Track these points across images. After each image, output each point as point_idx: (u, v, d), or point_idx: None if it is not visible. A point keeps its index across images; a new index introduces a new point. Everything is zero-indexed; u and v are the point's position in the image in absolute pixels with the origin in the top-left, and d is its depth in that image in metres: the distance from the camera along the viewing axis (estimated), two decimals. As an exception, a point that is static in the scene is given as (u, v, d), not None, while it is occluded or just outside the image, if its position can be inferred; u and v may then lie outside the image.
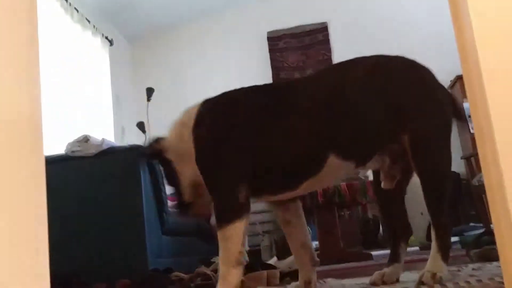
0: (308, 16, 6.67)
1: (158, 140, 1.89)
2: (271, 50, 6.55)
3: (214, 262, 3.18)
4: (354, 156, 1.72)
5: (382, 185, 1.84)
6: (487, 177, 1.06)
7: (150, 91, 6.32)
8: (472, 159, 4.75)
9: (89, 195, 3.16)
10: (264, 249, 5.26)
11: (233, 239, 1.68)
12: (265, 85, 1.87)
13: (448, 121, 1.78)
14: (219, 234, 1.65)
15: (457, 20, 1.12)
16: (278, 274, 2.63)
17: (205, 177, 1.74)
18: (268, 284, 2.54)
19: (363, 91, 1.72)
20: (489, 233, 2.76)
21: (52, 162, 3.22)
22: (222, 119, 1.78)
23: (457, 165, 5.36)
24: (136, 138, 6.19)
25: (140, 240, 3.01)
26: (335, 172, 1.74)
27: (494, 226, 1.04)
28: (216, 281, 2.78)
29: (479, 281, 1.61)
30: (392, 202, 1.92)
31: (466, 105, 4.78)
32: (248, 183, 1.66)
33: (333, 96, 1.72)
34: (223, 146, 1.70)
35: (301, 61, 6.49)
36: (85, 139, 3.27)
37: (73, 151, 3.26)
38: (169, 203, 3.83)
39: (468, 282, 1.61)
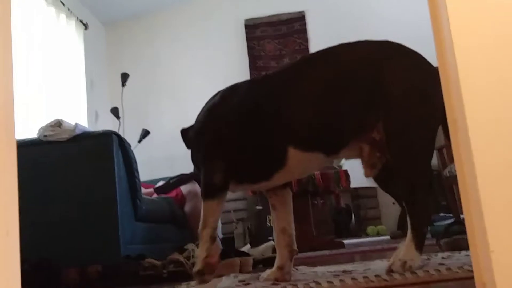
0: (285, 4, 6.66)
1: None
2: (248, 38, 6.53)
3: (187, 249, 3.18)
4: (318, 147, 1.73)
5: (364, 173, 1.85)
6: (459, 168, 1.07)
7: (125, 77, 6.25)
8: (444, 150, 4.82)
9: (62, 180, 3.12)
10: (237, 237, 5.28)
11: (209, 212, 1.84)
12: (248, 81, 1.99)
13: (433, 113, 1.73)
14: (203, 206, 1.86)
15: (434, 11, 1.13)
16: (251, 261, 2.65)
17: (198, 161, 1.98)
18: (241, 271, 2.56)
19: (328, 81, 1.73)
20: (459, 223, 2.82)
21: (24, 146, 3.16)
22: (211, 115, 1.96)
23: (429, 156, 5.43)
24: (110, 124, 6.13)
25: (112, 226, 2.98)
26: (305, 163, 1.77)
27: (465, 216, 1.06)
28: (189, 268, 2.79)
29: (449, 269, 1.64)
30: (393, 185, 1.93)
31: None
32: (227, 171, 1.83)
33: (290, 89, 1.75)
34: (210, 139, 1.91)
35: (278, 50, 6.49)
36: (58, 124, 3.22)
37: (45, 136, 3.21)
38: (143, 190, 3.81)
39: (438, 270, 1.64)
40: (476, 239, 1.02)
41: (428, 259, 2.02)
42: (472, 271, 1.12)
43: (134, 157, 3.38)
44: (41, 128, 3.26)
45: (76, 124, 3.26)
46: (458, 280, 1.51)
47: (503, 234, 0.98)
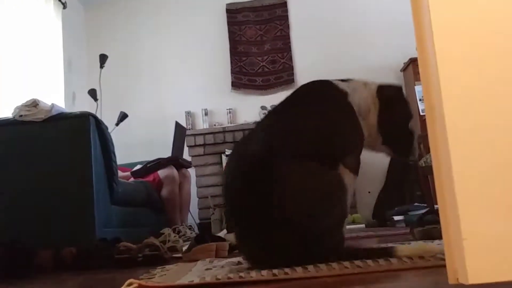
0: (268, -10, 6.62)
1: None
2: (229, 23, 6.49)
3: (163, 233, 3.18)
4: None
5: None
6: (435, 157, 1.08)
7: (103, 58, 6.17)
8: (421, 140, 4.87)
9: (37, 161, 3.08)
10: (214, 223, 5.28)
11: None
12: None
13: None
14: None
15: (415, 2, 1.13)
16: (227, 246, 2.66)
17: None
18: (217, 255, 2.56)
19: None
20: (433, 212, 2.85)
21: (-2, 126, 3.12)
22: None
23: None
24: (88, 106, 6.06)
25: (88, 208, 2.96)
26: None
27: (439, 204, 1.07)
28: (165, 252, 2.78)
29: (421, 257, 1.66)
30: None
31: (418, 88, 4.87)
32: None
33: None
34: None
35: (259, 35, 6.47)
36: (34, 104, 3.18)
37: (21, 115, 3.16)
38: (120, 173, 3.79)
39: (410, 258, 1.66)
40: (449, 227, 1.04)
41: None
42: (444, 259, 1.14)
43: (111, 140, 3.35)
44: (17, 107, 3.20)
45: (53, 104, 3.22)
46: (430, 268, 1.53)
47: (476, 223, 0.99)
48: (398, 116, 2.01)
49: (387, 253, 1.71)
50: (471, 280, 0.97)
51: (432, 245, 1.83)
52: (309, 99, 1.97)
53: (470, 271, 0.97)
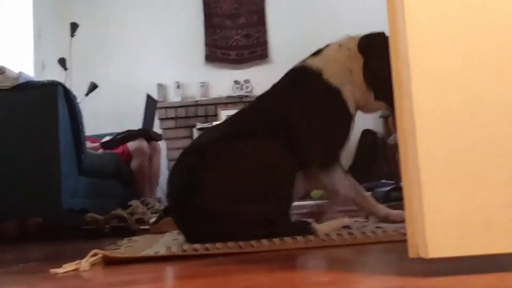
0: (243, -37, 6.53)
1: None
2: (204, -5, 6.40)
3: (131, 205, 3.17)
4: None
5: None
6: (402, 134, 1.09)
7: (74, 27, 6.03)
8: (390, 118, 4.93)
9: (2, 130, 3.01)
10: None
11: None
12: None
13: None
14: None
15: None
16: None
17: None
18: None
19: None
20: (399, 189, 2.90)
21: (-38, 93, 3.04)
22: None
23: (375, 124, 5.55)
24: (57, 75, 5.93)
25: (54, 178, 2.92)
26: None
27: (403, 181, 1.08)
28: (132, 224, 2.78)
29: (385, 232, 1.69)
30: None
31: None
32: None
33: None
34: None
35: (234, 8, 6.39)
36: (1, 71, 3.10)
37: (-14, 82, 3.08)
38: (88, 144, 3.74)
39: (374, 232, 1.69)
40: (412, 203, 1.05)
41: (366, 222, 2.08)
42: (406, 234, 1.16)
43: (80, 110, 3.29)
44: (-18, 74, 3.12)
45: (20, 72, 3.15)
46: (393, 242, 1.56)
47: (438, 199, 1.01)
48: (385, 64, 1.83)
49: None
50: (432, 254, 0.99)
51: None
52: (283, 92, 1.98)
53: (430, 245, 0.99)
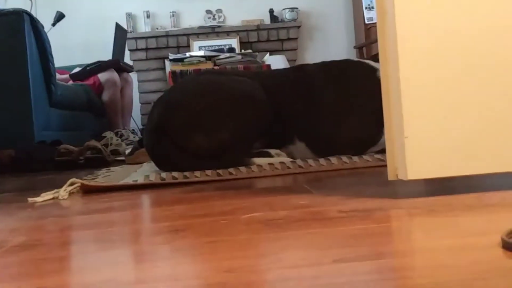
0: None
1: None
2: None
3: (105, 137, 3.14)
4: None
5: None
6: (383, 60, 1.08)
7: (37, -48, 5.74)
8: (364, 49, 4.91)
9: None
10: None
11: None
12: None
13: None
14: None
15: None
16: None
17: None
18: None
19: None
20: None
21: None
22: None
23: (350, 54, 5.53)
24: (22, 4, 5.69)
25: (25, 110, 2.86)
26: None
27: (384, 104, 1.09)
28: (107, 155, 2.76)
29: (360, 157, 1.72)
30: None
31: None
32: None
33: None
34: None
35: None
36: (-39, -2, 2.95)
37: None
38: (58, 76, 3.65)
39: (350, 158, 1.72)
40: (392, 126, 1.06)
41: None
42: (382, 160, 1.18)
43: (48, 40, 3.19)
44: None
45: (-18, 0, 3.00)
46: (370, 168, 1.59)
47: (418, 122, 1.02)
48: None
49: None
50: (410, 176, 1.01)
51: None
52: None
53: (409, 167, 1.01)
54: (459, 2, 1.03)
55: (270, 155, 1.85)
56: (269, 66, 4.26)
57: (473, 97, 1.03)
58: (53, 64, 3.22)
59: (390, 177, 1.07)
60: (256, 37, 5.68)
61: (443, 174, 1.02)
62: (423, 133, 1.02)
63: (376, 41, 1.19)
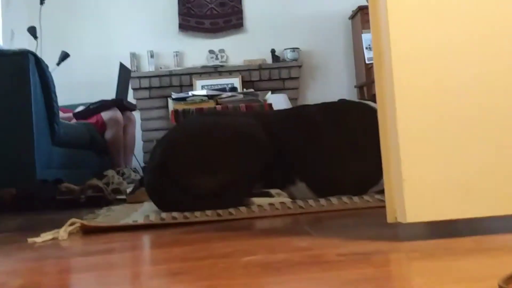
0: None
1: None
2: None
3: (106, 175, 3.14)
4: None
5: None
6: (381, 103, 1.10)
7: (43, -6, 5.86)
8: (365, 88, 4.95)
9: (-28, 100, 2.94)
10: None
11: None
12: None
13: None
14: None
15: None
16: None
17: None
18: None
19: None
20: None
21: None
22: None
23: (351, 93, 5.57)
24: (27, 44, 5.78)
25: (28, 149, 2.87)
26: None
27: (382, 147, 1.09)
28: (108, 194, 2.76)
29: (361, 198, 1.72)
30: None
31: (365, 36, 4.87)
32: None
33: None
34: None
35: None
36: (-32, 39, 3.00)
37: (-47, 51, 2.99)
38: (61, 114, 3.68)
39: (350, 199, 1.71)
40: (390, 169, 1.07)
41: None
42: (382, 201, 1.18)
43: (52, 79, 3.23)
44: (-51, 42, 3.03)
45: (-12, 40, 3.06)
46: (370, 208, 1.58)
47: (415, 166, 1.02)
48: None
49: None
50: (410, 219, 1.01)
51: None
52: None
53: (408, 210, 1.01)
54: (456, 42, 1.05)
55: (270, 195, 1.85)
56: (270, 105, 4.30)
57: (472, 139, 1.03)
58: (56, 103, 3.25)
59: (389, 219, 1.07)
60: (258, 76, 5.74)
61: (443, 217, 1.02)
62: (421, 175, 1.02)
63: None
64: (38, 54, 3.68)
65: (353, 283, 0.75)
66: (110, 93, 4.78)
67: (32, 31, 5.78)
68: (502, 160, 1.03)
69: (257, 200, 1.80)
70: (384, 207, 1.09)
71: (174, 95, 3.76)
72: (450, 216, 1.02)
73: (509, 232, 1.01)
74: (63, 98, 3.83)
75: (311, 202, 1.71)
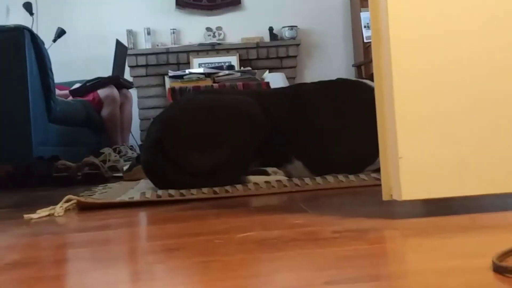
0: None
1: None
2: None
3: (103, 153, 3.14)
4: None
5: None
6: (378, 80, 1.09)
7: (39, -31, 5.79)
8: (363, 67, 4.94)
9: (-33, 76, 2.92)
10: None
11: None
12: None
13: None
14: None
15: None
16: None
17: None
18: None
19: None
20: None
21: None
22: None
23: (349, 72, 5.56)
24: (23, 20, 5.73)
25: (24, 126, 2.86)
26: None
27: (378, 125, 1.09)
28: (105, 171, 2.76)
29: (357, 176, 1.72)
30: None
31: (363, 14, 4.85)
32: None
33: None
34: None
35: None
36: (-37, 14, 2.97)
37: None
38: (58, 91, 3.66)
39: (347, 176, 1.72)
40: (386, 147, 1.07)
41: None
42: (378, 179, 1.18)
43: (48, 56, 3.20)
44: None
45: (-17, 16, 3.02)
46: (366, 187, 1.59)
47: (412, 143, 1.02)
48: None
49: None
50: (405, 197, 1.01)
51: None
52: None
53: (404, 188, 1.01)
54: (455, 20, 1.04)
55: (267, 173, 1.85)
56: (268, 83, 4.28)
57: (468, 117, 1.03)
58: (53, 80, 3.24)
59: (385, 197, 1.07)
60: (256, 55, 5.71)
61: (438, 195, 1.03)
62: (417, 153, 1.02)
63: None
64: (34, 30, 3.65)
65: (348, 259, 0.76)
66: (106, 71, 4.75)
67: (28, 7, 5.72)
68: (497, 138, 1.03)
69: (253, 178, 1.80)
70: (379, 185, 1.10)
71: (171, 73, 3.74)
72: (446, 194, 1.02)
73: (504, 210, 1.02)
74: (59, 75, 3.80)
75: (307, 180, 1.72)
